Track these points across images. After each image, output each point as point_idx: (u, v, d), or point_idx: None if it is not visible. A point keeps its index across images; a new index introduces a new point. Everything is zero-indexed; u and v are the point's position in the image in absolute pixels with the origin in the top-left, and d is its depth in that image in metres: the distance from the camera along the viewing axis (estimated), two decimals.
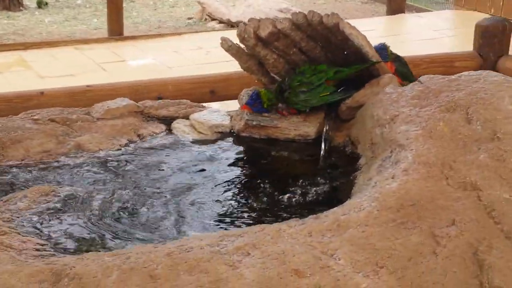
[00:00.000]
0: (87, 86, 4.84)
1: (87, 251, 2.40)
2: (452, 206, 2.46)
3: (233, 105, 3.65)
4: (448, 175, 2.56)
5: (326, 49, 3.25)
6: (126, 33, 10.76)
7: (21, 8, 13.74)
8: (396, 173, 2.58)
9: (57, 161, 3.04)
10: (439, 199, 2.48)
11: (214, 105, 4.59)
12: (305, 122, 3.28)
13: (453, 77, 2.97)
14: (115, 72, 8.36)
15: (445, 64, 5.54)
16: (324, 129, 3.16)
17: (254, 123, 3.27)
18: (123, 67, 8.91)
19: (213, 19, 13.14)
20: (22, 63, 9.09)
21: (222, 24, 12.83)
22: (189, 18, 13.35)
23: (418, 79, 3.05)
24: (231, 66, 7.69)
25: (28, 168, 2.97)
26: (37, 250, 2.37)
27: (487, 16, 8.33)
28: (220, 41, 3.25)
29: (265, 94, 3.27)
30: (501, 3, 10.68)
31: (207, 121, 3.35)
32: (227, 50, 3.25)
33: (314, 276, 2.20)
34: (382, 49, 3.38)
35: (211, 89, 5.07)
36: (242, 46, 3.27)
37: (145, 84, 5.03)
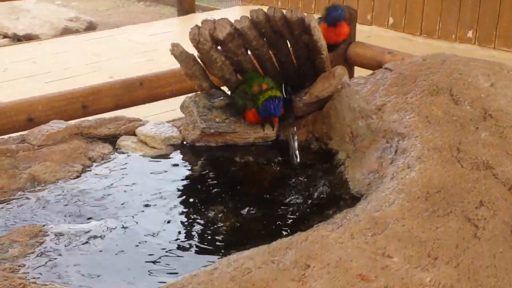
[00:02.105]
0: None
1: None
2: (474, 188, 2.46)
3: (166, 116, 3.44)
4: (459, 158, 2.55)
5: (273, 46, 3.14)
6: None
7: None
8: (410, 162, 2.53)
9: (17, 198, 2.70)
10: (461, 182, 2.47)
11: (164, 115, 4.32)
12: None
13: (418, 60, 2.97)
14: None
15: None
16: (291, 128, 3.05)
17: (212, 130, 3.08)
18: None
19: None
20: None
21: (7, 39, 12.19)
22: None
23: (385, 66, 3.02)
24: (34, 80, 7.37)
25: None
26: None
27: None
28: (171, 47, 3.05)
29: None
30: None
31: (158, 135, 3.12)
32: (177, 56, 3.05)
33: (379, 278, 2.12)
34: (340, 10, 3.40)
35: (82, 104, 4.79)
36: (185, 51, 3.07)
37: (12, 106, 4.67)
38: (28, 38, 10.88)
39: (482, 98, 2.75)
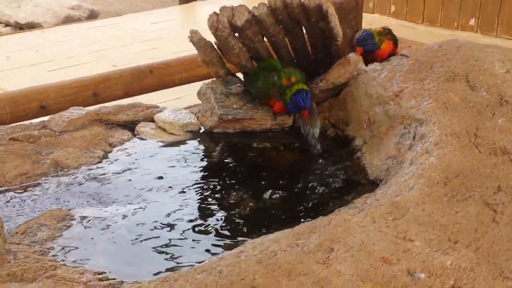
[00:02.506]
0: None
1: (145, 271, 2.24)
2: (492, 173, 2.50)
3: (184, 102, 3.46)
4: (476, 143, 2.59)
5: (289, 33, 3.17)
6: None
7: None
8: (429, 148, 2.57)
9: (42, 183, 2.75)
10: (479, 168, 2.51)
11: (170, 103, 4.33)
12: None
13: (434, 47, 3.00)
14: None
15: None
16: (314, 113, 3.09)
17: (230, 117, 3.12)
18: None
19: None
20: None
21: (9, 27, 12.18)
22: None
23: (402, 53, 3.05)
24: (38, 69, 7.38)
25: (15, 194, 2.66)
26: (101, 280, 2.13)
27: None
28: (189, 34, 3.08)
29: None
30: None
31: (177, 121, 3.16)
32: (196, 42, 3.09)
33: (401, 261, 2.16)
34: (368, 39, 3.39)
35: (93, 92, 4.80)
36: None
37: (24, 93, 4.68)
38: (30, 26, 10.85)
39: (498, 84, 2.79)
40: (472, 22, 8.14)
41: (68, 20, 11.23)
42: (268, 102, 3.18)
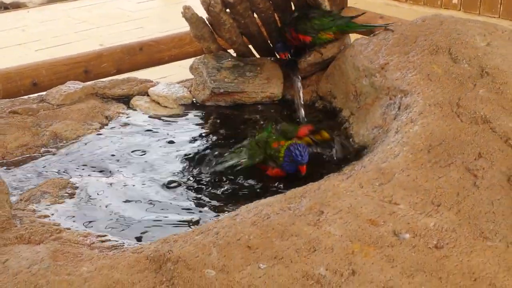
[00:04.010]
0: None
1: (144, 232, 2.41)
2: (473, 140, 2.61)
3: (176, 77, 3.56)
4: (458, 113, 2.71)
5: (278, 9, 3.28)
6: None
7: None
8: (413, 117, 2.68)
9: (42, 154, 2.86)
10: (460, 136, 2.63)
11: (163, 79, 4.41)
12: (269, 83, 3.31)
13: (418, 21, 3.11)
14: None
15: None
16: (297, 85, 3.19)
17: (221, 90, 3.23)
18: None
19: None
20: None
21: None
22: None
23: (388, 27, 3.16)
24: (24, 48, 7.41)
25: (17, 165, 2.78)
26: (104, 241, 2.24)
27: None
28: (182, 10, 3.18)
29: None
30: None
31: (170, 95, 3.27)
32: (188, 18, 3.19)
33: (387, 223, 2.28)
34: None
35: (84, 69, 4.89)
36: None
37: (17, 70, 4.75)
38: (16, 6, 10.86)
39: (479, 57, 2.90)
40: (455, 0, 8.24)
41: None
42: (266, 170, 2.88)
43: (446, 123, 2.65)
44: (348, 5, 5.93)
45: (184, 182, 2.73)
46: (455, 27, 3.04)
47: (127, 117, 3.19)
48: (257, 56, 3.55)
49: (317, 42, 3.27)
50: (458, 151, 2.56)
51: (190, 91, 3.35)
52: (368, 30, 3.62)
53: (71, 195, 2.56)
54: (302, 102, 3.17)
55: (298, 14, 3.28)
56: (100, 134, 3.05)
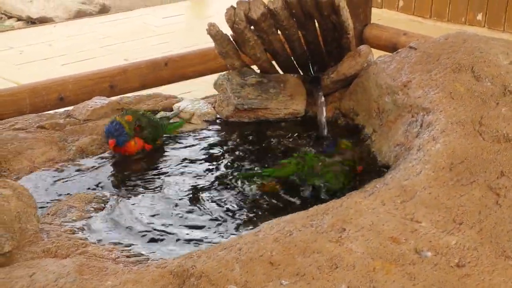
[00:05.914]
0: None
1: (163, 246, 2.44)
2: (495, 159, 2.63)
3: (200, 93, 3.60)
4: (480, 131, 2.73)
5: (302, 26, 3.32)
6: None
7: None
8: (436, 135, 2.70)
9: (69, 168, 2.92)
10: (482, 154, 2.64)
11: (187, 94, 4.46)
12: (292, 100, 3.34)
13: (441, 39, 3.13)
14: None
15: None
16: (320, 101, 3.23)
17: (245, 106, 3.28)
18: None
19: (10, 17, 12.53)
20: None
21: (21, 22, 12.28)
22: None
23: (410, 45, 3.19)
24: (51, 63, 7.49)
25: (43, 178, 2.83)
26: (128, 256, 2.28)
27: None
28: (208, 27, 3.22)
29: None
30: None
31: (195, 111, 3.31)
32: (213, 35, 3.23)
33: (409, 241, 2.29)
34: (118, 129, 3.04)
35: (110, 84, 4.94)
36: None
37: (44, 85, 4.81)
38: (42, 21, 10.96)
39: (502, 75, 2.92)
40: (479, 17, 8.25)
41: (80, 14, 11.33)
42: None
43: (468, 141, 2.67)
44: (372, 22, 5.94)
45: (209, 198, 2.77)
46: (478, 45, 3.06)
47: None
48: (281, 72, 3.58)
49: None
50: (480, 170, 2.58)
51: (214, 107, 3.40)
52: None
53: (97, 210, 2.61)
54: (325, 120, 3.20)
55: None
56: None
